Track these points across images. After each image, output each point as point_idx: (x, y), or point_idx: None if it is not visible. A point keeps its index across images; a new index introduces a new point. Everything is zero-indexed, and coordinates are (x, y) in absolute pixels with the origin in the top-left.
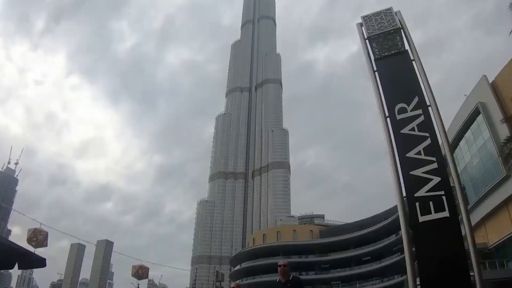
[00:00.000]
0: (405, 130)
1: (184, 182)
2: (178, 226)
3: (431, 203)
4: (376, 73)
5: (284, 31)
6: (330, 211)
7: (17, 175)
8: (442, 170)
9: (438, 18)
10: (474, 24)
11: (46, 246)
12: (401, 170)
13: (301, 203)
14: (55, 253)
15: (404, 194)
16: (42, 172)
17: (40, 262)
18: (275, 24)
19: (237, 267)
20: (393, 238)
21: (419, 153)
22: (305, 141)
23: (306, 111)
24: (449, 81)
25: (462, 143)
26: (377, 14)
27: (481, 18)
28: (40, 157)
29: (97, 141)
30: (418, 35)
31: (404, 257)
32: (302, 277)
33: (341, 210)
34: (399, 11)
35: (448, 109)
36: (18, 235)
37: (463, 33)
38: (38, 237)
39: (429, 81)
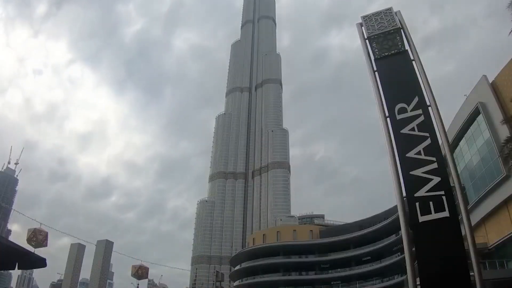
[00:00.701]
0: (405, 130)
1: (188, 178)
2: (181, 223)
3: (431, 203)
4: (376, 73)
5: (297, 17)
6: (337, 206)
7: (17, 175)
8: (442, 170)
9: (455, 4)
10: (490, 12)
11: (46, 246)
12: (401, 170)
13: (308, 199)
14: (55, 251)
15: (404, 194)
16: (43, 167)
17: (40, 262)
18: (275, 24)
19: (237, 267)
20: (393, 238)
21: (419, 153)
22: (314, 134)
23: (317, 102)
24: (465, 68)
25: (462, 143)
26: (377, 14)
27: (496, 6)
28: (41, 151)
29: (99, 133)
30: (434, 22)
31: (404, 257)
32: (302, 277)
33: (349, 206)
34: (399, 11)
35: (462, 97)
36: (17, 232)
37: (478, 21)
38: (38, 237)
39: (429, 80)
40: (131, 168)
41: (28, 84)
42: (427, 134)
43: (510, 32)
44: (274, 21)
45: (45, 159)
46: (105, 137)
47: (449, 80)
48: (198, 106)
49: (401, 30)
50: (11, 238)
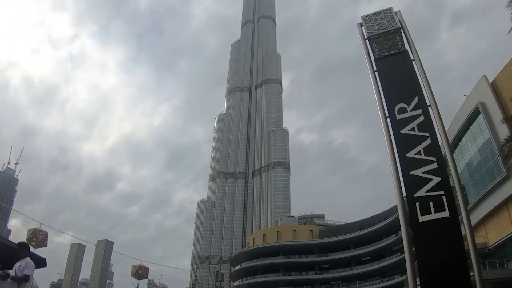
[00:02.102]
0: (405, 130)
1: (197, 167)
2: (187, 218)
3: (431, 203)
4: (376, 73)
5: None
6: (353, 198)
7: (17, 175)
8: (442, 170)
9: None
10: None
11: (46, 246)
12: (401, 170)
13: (320, 191)
14: (55, 246)
15: (404, 194)
16: (43, 156)
17: (41, 262)
18: (275, 24)
19: (237, 267)
20: (393, 238)
21: (419, 153)
22: (335, 117)
23: (339, 83)
24: (498, 47)
25: (462, 143)
26: (377, 14)
27: None
28: (41, 138)
29: (104, 117)
30: None
31: (404, 257)
32: (302, 277)
33: (365, 197)
34: (399, 11)
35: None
36: (17, 227)
37: None
38: (38, 237)
39: (428, 80)
40: (137, 156)
41: (28, 63)
42: (427, 134)
43: (509, 31)
44: (274, 21)
45: (45, 147)
46: (111, 121)
47: (479, 58)
48: (213, 86)
49: (401, 30)
50: (12, 235)
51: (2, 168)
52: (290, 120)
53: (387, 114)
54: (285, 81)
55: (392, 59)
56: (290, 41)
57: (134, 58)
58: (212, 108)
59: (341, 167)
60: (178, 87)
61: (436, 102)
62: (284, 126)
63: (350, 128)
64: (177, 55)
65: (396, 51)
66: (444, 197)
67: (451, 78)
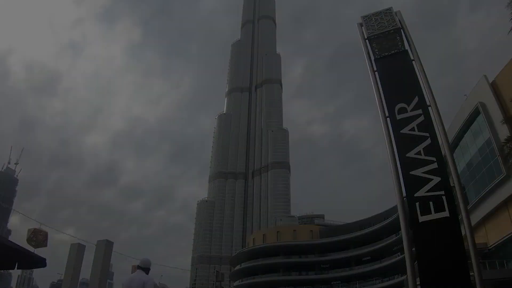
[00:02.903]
0: (405, 130)
1: (202, 160)
2: (191, 214)
3: (431, 203)
4: (376, 73)
5: None
6: (363, 194)
7: (17, 175)
8: (442, 170)
9: None
10: None
11: (46, 246)
12: (401, 170)
13: (331, 186)
14: (55, 244)
15: (404, 194)
16: (43, 151)
17: (41, 262)
18: (275, 24)
19: (237, 267)
20: (393, 238)
21: (419, 153)
22: (348, 108)
23: (354, 71)
24: None
25: (462, 143)
26: (377, 14)
27: None
28: (41, 132)
29: (107, 107)
30: None
31: (404, 257)
32: (302, 277)
33: (376, 192)
34: (399, 11)
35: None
36: (16, 225)
37: None
38: (38, 237)
39: (429, 80)
40: (141, 148)
41: (28, 49)
42: (427, 134)
43: (509, 31)
44: (274, 21)
45: (45, 140)
46: (114, 110)
47: (498, 46)
48: (221, 75)
49: (401, 30)
50: (12, 235)
51: (2, 168)
52: (301, 111)
53: (387, 114)
54: (297, 70)
55: (392, 59)
56: (303, 28)
57: (141, 43)
58: (221, 98)
59: (352, 160)
60: (185, 75)
61: (437, 102)
62: (292, 120)
63: (363, 119)
64: (185, 40)
65: (396, 51)
66: (444, 197)
67: (469, 65)
